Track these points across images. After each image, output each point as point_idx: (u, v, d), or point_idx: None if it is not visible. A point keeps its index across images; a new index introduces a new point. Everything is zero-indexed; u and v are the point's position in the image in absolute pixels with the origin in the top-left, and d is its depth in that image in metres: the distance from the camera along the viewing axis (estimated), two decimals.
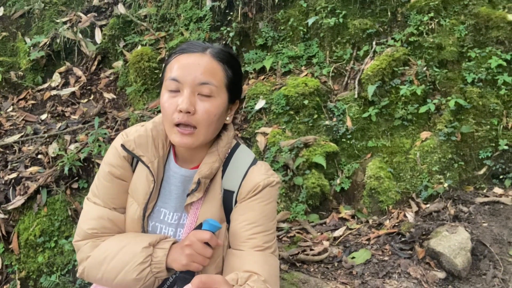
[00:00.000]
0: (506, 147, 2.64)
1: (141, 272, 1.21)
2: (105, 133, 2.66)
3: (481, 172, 2.72)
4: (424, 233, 2.21)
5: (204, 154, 1.32)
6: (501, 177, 2.67)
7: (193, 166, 1.33)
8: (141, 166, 1.32)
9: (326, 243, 2.23)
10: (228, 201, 1.33)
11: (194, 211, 1.31)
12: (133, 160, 1.35)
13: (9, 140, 2.86)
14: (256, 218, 1.29)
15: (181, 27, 3.39)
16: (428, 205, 2.50)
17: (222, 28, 3.31)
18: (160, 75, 3.23)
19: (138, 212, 1.31)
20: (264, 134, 2.80)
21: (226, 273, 1.25)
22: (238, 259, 1.25)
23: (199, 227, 1.24)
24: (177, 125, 1.19)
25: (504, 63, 2.78)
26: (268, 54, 3.25)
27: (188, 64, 1.18)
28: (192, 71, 1.17)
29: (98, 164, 2.60)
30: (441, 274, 1.91)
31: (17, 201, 2.46)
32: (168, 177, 1.34)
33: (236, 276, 1.17)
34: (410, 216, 2.43)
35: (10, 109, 3.24)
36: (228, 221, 1.33)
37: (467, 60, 2.94)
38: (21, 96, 3.37)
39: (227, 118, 1.29)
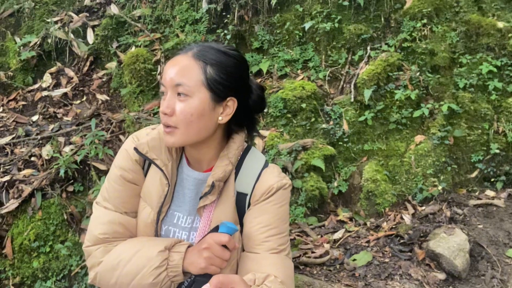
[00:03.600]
0: (497, 151, 2.72)
1: (157, 277, 1.19)
2: (102, 135, 2.62)
3: (473, 175, 2.79)
4: (422, 235, 2.26)
5: (215, 157, 1.31)
6: (492, 180, 2.75)
7: (206, 169, 1.33)
8: (154, 170, 1.31)
9: (326, 246, 2.25)
10: (241, 204, 1.33)
11: (207, 214, 1.30)
12: (145, 163, 1.33)
13: (1, 141, 2.78)
14: (270, 220, 1.29)
15: (177, 28, 3.37)
16: (423, 208, 2.56)
17: (218, 31, 3.31)
18: (157, 77, 3.21)
19: (152, 215, 1.30)
20: (262, 137, 2.81)
21: (241, 276, 1.24)
22: (254, 262, 1.25)
23: (215, 229, 1.23)
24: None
25: (495, 69, 2.87)
26: (264, 57, 3.27)
27: (170, 66, 1.20)
28: (170, 73, 1.18)
29: (95, 167, 2.56)
30: (442, 275, 1.96)
31: (11, 204, 2.39)
32: (182, 180, 1.33)
33: (254, 277, 1.17)
34: (407, 218, 2.48)
35: (0, 110, 3.16)
36: (242, 224, 1.33)
37: (458, 66, 3.03)
38: (11, 97, 3.29)
39: (220, 118, 1.23)
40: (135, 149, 1.27)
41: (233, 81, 1.23)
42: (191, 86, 1.17)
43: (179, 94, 1.17)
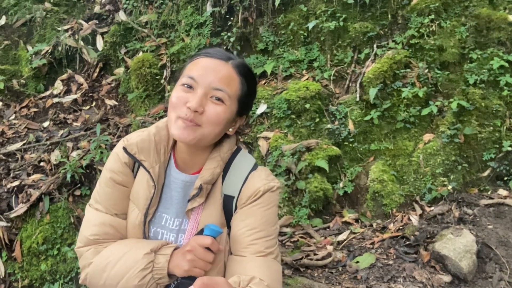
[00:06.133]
0: (510, 148, 2.63)
1: (142, 279, 1.20)
2: (107, 140, 2.66)
3: (485, 174, 2.70)
4: (428, 236, 2.19)
5: (204, 160, 1.31)
6: (505, 178, 2.65)
7: (194, 172, 1.33)
8: (142, 172, 1.31)
9: (330, 248, 2.22)
10: (228, 206, 1.32)
11: (195, 216, 1.30)
12: (135, 165, 1.35)
13: (12, 148, 2.86)
14: (257, 223, 1.27)
15: (182, 33, 3.40)
16: (432, 208, 2.48)
17: (222, 33, 3.32)
18: (162, 81, 3.24)
19: (139, 217, 1.30)
20: (266, 138, 2.79)
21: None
22: (240, 265, 1.24)
23: (201, 232, 1.23)
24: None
25: (506, 64, 2.77)
26: (269, 58, 3.26)
27: (209, 67, 1.21)
28: (210, 75, 1.19)
29: (100, 171, 2.59)
30: (447, 278, 1.89)
31: (20, 208, 2.46)
32: (169, 183, 1.34)
33: (238, 279, 1.16)
34: (414, 219, 2.41)
35: (13, 117, 3.25)
36: (229, 227, 1.32)
37: (468, 61, 2.94)
38: (23, 104, 3.38)
39: (230, 130, 1.30)
40: (124, 149, 1.29)
41: (253, 100, 1.34)
42: (230, 96, 1.21)
43: (216, 98, 1.19)
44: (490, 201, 2.45)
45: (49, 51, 3.55)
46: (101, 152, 2.62)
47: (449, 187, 2.56)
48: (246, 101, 1.28)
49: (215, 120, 1.19)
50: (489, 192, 2.61)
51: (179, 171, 1.33)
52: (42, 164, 2.70)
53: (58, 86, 3.48)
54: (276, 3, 3.24)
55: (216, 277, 1.09)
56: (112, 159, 1.35)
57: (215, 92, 1.19)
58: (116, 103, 3.33)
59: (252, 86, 1.29)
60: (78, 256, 1.34)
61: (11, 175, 2.63)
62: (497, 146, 2.70)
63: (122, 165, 1.32)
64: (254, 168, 1.35)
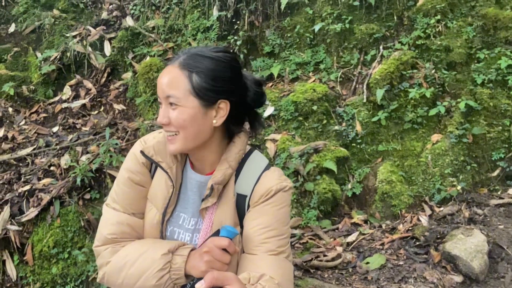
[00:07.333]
0: None
1: (160, 279, 1.21)
2: (116, 144, 2.69)
3: (495, 173, 2.68)
4: (438, 236, 2.19)
5: (215, 160, 1.33)
6: None
7: (208, 172, 1.35)
8: (160, 172, 1.34)
9: (339, 249, 2.22)
10: (241, 206, 1.34)
11: (209, 216, 1.32)
12: (152, 166, 1.37)
13: (22, 153, 2.90)
14: (269, 222, 1.28)
15: (189, 37, 3.43)
16: (441, 208, 2.47)
17: (229, 37, 3.34)
18: None
19: (157, 217, 1.32)
20: (274, 140, 2.80)
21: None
22: (251, 263, 1.25)
23: (217, 233, 1.24)
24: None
25: None
26: (276, 61, 3.27)
27: (161, 78, 1.24)
28: (162, 85, 1.23)
29: (110, 175, 2.62)
30: (458, 278, 1.88)
31: (31, 213, 2.48)
32: (186, 183, 1.36)
33: (248, 276, 1.16)
34: (424, 219, 2.40)
35: (23, 122, 3.29)
36: (242, 226, 1.33)
37: (476, 61, 2.93)
38: (33, 110, 3.42)
39: (214, 121, 1.25)
40: (142, 152, 1.31)
41: (222, 85, 1.23)
42: (180, 97, 1.20)
43: (170, 104, 1.22)
44: (500, 201, 2.44)
45: (58, 57, 3.59)
46: (110, 156, 2.64)
47: (458, 187, 2.55)
48: (207, 90, 1.20)
49: (178, 124, 1.21)
50: (499, 192, 2.60)
51: (194, 171, 1.35)
52: (52, 168, 2.73)
53: (67, 92, 3.51)
54: (282, 6, 3.26)
55: (226, 272, 1.09)
56: (129, 160, 1.37)
57: (168, 100, 1.22)
58: (124, 108, 3.36)
59: (208, 72, 1.20)
60: (96, 255, 1.36)
61: (22, 179, 2.66)
62: (506, 145, 2.68)
63: (140, 165, 1.35)
64: (267, 168, 1.36)
